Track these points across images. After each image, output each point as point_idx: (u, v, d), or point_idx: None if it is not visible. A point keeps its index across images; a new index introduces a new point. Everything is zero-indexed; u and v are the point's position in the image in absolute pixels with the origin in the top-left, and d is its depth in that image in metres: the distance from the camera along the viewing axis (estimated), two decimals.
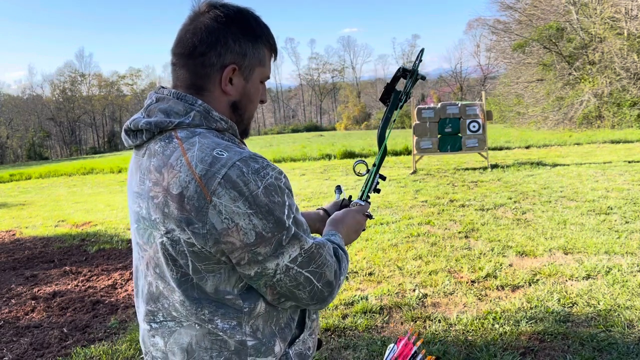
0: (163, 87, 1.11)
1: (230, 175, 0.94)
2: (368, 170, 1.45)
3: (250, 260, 0.98)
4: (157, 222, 1.00)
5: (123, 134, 1.11)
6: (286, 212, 0.99)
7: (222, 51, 1.05)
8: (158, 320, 1.07)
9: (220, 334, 1.03)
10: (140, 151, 1.08)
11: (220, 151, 0.97)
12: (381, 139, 1.42)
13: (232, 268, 1.01)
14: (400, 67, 1.38)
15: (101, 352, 3.38)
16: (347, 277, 4.46)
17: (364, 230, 1.39)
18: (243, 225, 0.95)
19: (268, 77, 1.16)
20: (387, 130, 1.41)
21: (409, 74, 1.37)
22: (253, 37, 1.08)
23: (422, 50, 1.38)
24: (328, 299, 1.09)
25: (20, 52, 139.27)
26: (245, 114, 1.14)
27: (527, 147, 15.27)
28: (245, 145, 1.15)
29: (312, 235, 1.11)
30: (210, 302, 1.02)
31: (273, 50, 1.15)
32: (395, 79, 1.38)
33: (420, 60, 1.37)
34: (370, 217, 1.42)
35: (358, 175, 1.45)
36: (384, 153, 1.43)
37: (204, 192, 0.94)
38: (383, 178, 1.48)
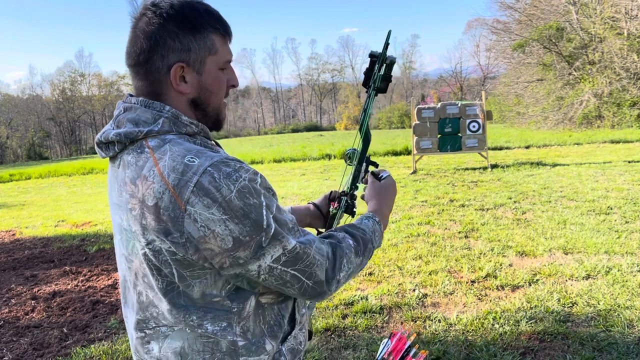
0: (131, 96, 1.09)
1: (202, 182, 0.93)
2: (359, 159, 1.41)
3: (232, 264, 0.97)
4: (137, 233, 1.00)
5: (95, 147, 1.10)
6: (264, 213, 0.96)
7: (164, 52, 1.03)
8: (151, 327, 1.07)
9: (211, 336, 1.03)
10: (115, 162, 1.07)
11: (192, 158, 0.96)
12: (361, 126, 1.40)
13: (217, 272, 1.00)
14: (370, 52, 1.37)
15: (101, 352, 3.38)
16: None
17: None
18: (219, 232, 0.93)
19: (229, 61, 1.12)
20: (365, 116, 1.39)
21: (377, 59, 1.35)
22: (193, 29, 1.04)
23: (389, 33, 1.34)
24: (323, 295, 1.07)
25: (20, 52, 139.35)
26: (209, 108, 1.10)
27: (527, 147, 15.27)
28: (220, 147, 1.13)
29: (305, 230, 1.08)
30: (198, 308, 1.02)
31: (224, 33, 1.09)
32: (372, 63, 1.36)
33: (388, 43, 1.34)
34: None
35: (349, 165, 1.42)
36: (366, 139, 1.39)
37: (178, 202, 0.93)
38: (375, 165, 1.44)
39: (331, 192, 1.51)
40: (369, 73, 1.37)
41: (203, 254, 0.96)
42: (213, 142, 1.13)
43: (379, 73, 1.35)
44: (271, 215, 0.98)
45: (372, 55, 1.36)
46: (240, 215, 0.94)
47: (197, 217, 0.93)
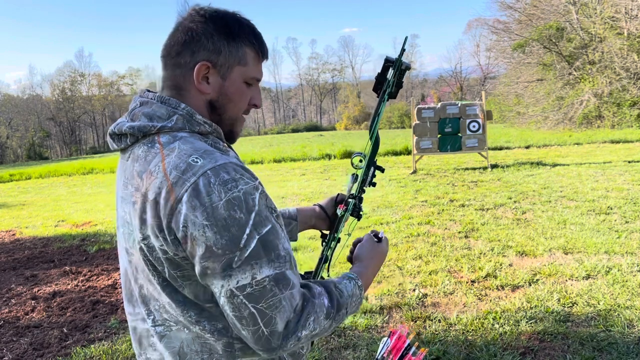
0: (148, 91, 1.11)
1: (198, 183, 0.93)
2: (367, 163, 1.41)
3: (200, 273, 0.95)
4: (136, 227, 1.00)
5: (108, 137, 1.11)
6: (247, 232, 0.93)
7: (195, 49, 1.05)
8: (149, 325, 1.08)
9: (208, 336, 1.03)
10: (125, 155, 1.08)
11: (196, 158, 0.96)
12: (371, 129, 1.40)
13: None
14: (385, 57, 1.37)
15: (101, 352, 3.39)
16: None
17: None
18: (196, 236, 0.92)
19: (256, 79, 1.12)
20: (376, 121, 1.39)
21: (392, 64, 1.35)
22: (229, 35, 1.06)
23: (405, 39, 1.35)
24: (277, 350, 0.97)
25: (20, 52, 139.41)
26: (225, 114, 1.11)
27: (527, 147, 15.27)
28: (231, 149, 1.13)
29: (294, 269, 1.01)
30: (195, 305, 1.02)
31: (259, 50, 1.11)
32: (385, 68, 1.37)
33: (404, 49, 1.34)
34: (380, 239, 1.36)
35: (355, 168, 1.42)
36: (375, 144, 1.40)
37: (172, 199, 0.94)
38: (381, 170, 1.44)
39: (338, 194, 1.50)
40: (381, 78, 1.36)
41: (187, 254, 0.96)
42: (225, 144, 1.12)
43: (392, 79, 1.35)
44: (256, 237, 0.94)
45: (388, 61, 1.35)
46: (221, 225, 0.92)
47: (182, 217, 0.93)
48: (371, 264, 1.26)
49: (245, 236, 0.93)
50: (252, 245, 0.93)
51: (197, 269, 0.95)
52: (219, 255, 0.92)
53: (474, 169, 10.98)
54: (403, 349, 1.32)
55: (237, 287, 0.93)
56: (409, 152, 15.09)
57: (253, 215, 0.94)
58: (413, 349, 1.33)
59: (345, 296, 1.09)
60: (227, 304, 0.95)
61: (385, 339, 1.37)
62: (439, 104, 11.20)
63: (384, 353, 1.33)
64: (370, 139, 1.39)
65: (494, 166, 10.93)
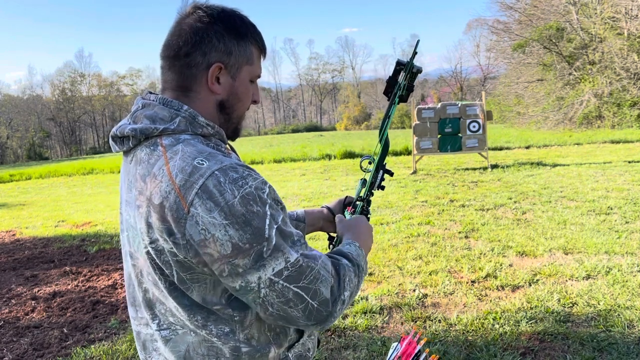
0: (150, 93, 1.10)
1: (207, 185, 0.93)
2: (376, 166, 1.42)
3: (231, 273, 0.95)
4: (142, 231, 1.00)
5: (110, 140, 1.10)
6: (267, 222, 0.95)
7: (207, 50, 1.05)
8: (154, 329, 1.07)
9: (215, 340, 1.03)
10: (128, 157, 1.08)
11: (201, 160, 0.96)
12: (381, 133, 1.40)
13: (217, 278, 0.99)
14: (397, 60, 1.37)
15: (101, 352, 3.39)
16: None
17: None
18: (219, 237, 0.93)
19: (258, 76, 1.15)
20: (386, 124, 1.40)
21: (403, 67, 1.36)
22: (238, 36, 1.07)
23: (417, 42, 1.36)
24: (329, 319, 1.02)
25: (20, 52, 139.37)
26: (233, 114, 1.12)
27: (527, 147, 15.27)
28: (233, 151, 1.13)
29: (310, 247, 1.05)
30: (202, 308, 1.02)
31: (261, 48, 1.13)
32: (396, 72, 1.37)
33: (416, 52, 1.35)
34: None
35: (364, 172, 1.43)
36: (384, 148, 1.40)
37: (182, 203, 0.93)
38: (390, 173, 1.44)
39: (346, 196, 1.51)
40: (392, 81, 1.37)
41: (203, 258, 0.95)
42: (227, 146, 1.13)
43: (404, 82, 1.36)
44: (275, 227, 0.96)
45: (399, 64, 1.36)
46: (242, 221, 0.93)
47: (199, 220, 0.93)
48: (356, 233, 1.26)
49: (267, 227, 0.95)
50: (274, 234, 0.96)
51: (227, 269, 0.95)
52: (247, 250, 0.94)
53: (474, 169, 10.98)
54: (413, 355, 1.32)
55: (274, 273, 0.96)
56: (409, 153, 15.09)
57: (268, 206, 0.96)
58: (424, 355, 1.33)
59: (354, 255, 1.14)
60: (270, 293, 0.96)
61: (395, 344, 1.37)
62: (439, 104, 11.20)
63: (394, 358, 1.33)
64: (380, 141, 1.40)
65: (494, 166, 10.93)
